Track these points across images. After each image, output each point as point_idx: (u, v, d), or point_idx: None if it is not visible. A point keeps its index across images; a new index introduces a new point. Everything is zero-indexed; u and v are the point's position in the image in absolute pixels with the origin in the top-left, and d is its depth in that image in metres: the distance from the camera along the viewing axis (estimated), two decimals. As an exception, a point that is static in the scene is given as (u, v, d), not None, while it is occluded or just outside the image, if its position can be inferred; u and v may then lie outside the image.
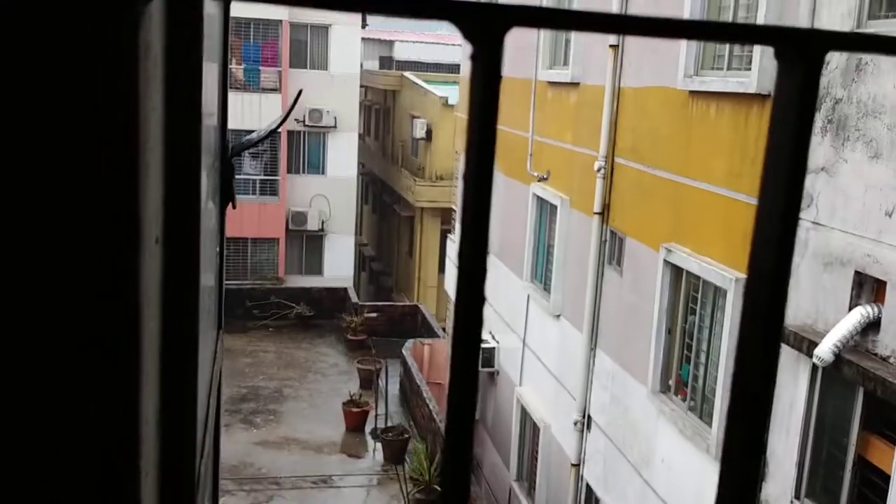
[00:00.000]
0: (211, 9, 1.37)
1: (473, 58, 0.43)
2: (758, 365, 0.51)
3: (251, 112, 25.59)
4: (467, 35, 0.42)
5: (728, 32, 0.50)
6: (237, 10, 24.83)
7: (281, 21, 26.24)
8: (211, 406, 1.61)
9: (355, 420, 18.48)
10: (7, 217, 0.52)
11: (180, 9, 0.80)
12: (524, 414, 13.80)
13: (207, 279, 1.68)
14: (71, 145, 0.51)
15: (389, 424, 18.04)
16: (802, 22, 7.14)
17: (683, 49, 8.98)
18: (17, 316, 0.54)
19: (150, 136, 0.65)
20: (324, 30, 27.28)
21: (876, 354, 6.34)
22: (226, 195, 1.95)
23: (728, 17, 8.55)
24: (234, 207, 2.04)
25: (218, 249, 1.99)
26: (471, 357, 0.45)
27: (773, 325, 0.51)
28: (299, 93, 3.95)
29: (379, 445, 17.69)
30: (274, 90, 26.33)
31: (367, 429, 18.54)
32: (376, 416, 18.32)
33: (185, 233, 0.89)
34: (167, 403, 0.93)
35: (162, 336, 0.86)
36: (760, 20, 7.67)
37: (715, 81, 8.51)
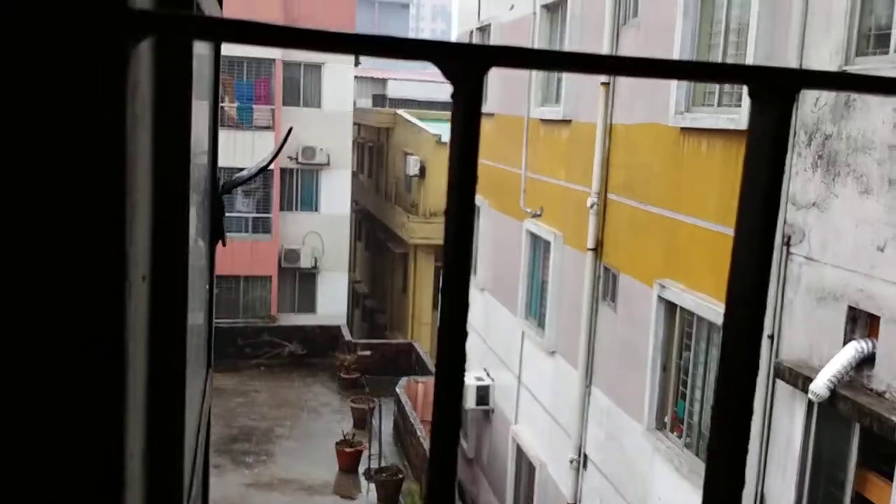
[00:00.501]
0: (201, 48, 1.37)
1: (454, 96, 0.42)
2: (737, 401, 0.51)
3: (244, 150, 25.69)
4: (448, 74, 0.41)
5: (703, 72, 0.50)
6: (230, 49, 25.04)
7: (274, 60, 26.45)
8: (200, 446, 1.59)
9: (348, 460, 18.30)
10: None
11: (170, 50, 0.80)
12: (519, 452, 13.69)
13: (196, 317, 1.67)
14: (56, 186, 0.52)
15: (383, 465, 17.86)
16: (791, 60, 7.21)
17: (674, 86, 9.06)
18: None
19: (138, 175, 0.65)
20: (317, 68, 27.50)
21: (871, 390, 6.31)
22: (216, 233, 1.94)
23: (718, 53, 8.64)
24: (223, 245, 2.03)
25: (207, 287, 1.97)
26: (454, 391, 0.44)
27: (750, 355, 0.51)
28: (289, 130, 3.95)
29: (373, 486, 17.48)
30: (267, 128, 26.45)
31: (361, 469, 18.35)
32: (370, 456, 18.14)
33: (173, 270, 0.89)
34: (154, 444, 0.91)
35: (149, 375, 0.85)
36: (749, 58, 7.75)
37: (706, 118, 8.58)
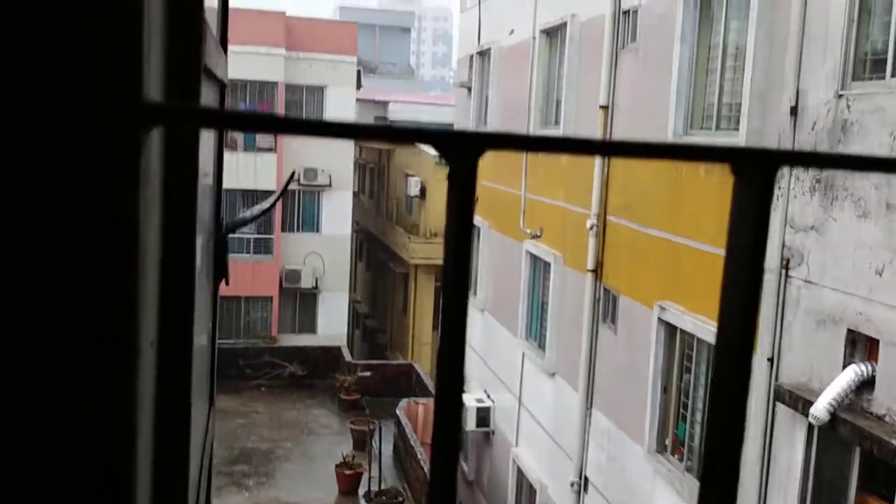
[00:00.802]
0: (205, 101, 1.41)
1: (450, 177, 0.45)
2: (728, 429, 0.53)
3: (246, 172, 25.78)
4: (444, 157, 0.45)
5: (688, 152, 0.53)
6: (233, 72, 25.14)
7: (277, 83, 26.60)
8: (202, 487, 1.60)
9: (348, 483, 18.21)
10: (8, 335, 0.54)
11: (178, 136, 0.83)
12: (520, 475, 13.64)
13: (200, 357, 1.69)
14: (71, 266, 0.54)
15: (383, 487, 17.78)
16: (788, 84, 7.27)
17: (672, 108, 9.12)
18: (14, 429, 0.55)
19: (148, 252, 0.68)
20: (319, 91, 27.64)
21: (871, 413, 6.32)
22: (219, 272, 1.96)
23: (716, 77, 8.70)
24: (227, 283, 2.05)
25: (210, 325, 2.00)
26: (454, 412, 0.47)
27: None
28: (292, 174, 4.00)
29: (373, 508, 17.40)
30: (269, 150, 26.56)
31: (361, 492, 18.26)
32: (370, 478, 18.06)
33: (179, 335, 0.91)
34: (159, 500, 0.93)
35: (154, 435, 0.87)
36: (746, 84, 7.81)
37: (704, 140, 8.63)
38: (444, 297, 0.47)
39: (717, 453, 0.52)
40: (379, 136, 0.45)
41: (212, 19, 1.62)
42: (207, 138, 1.48)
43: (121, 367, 0.56)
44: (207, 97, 1.37)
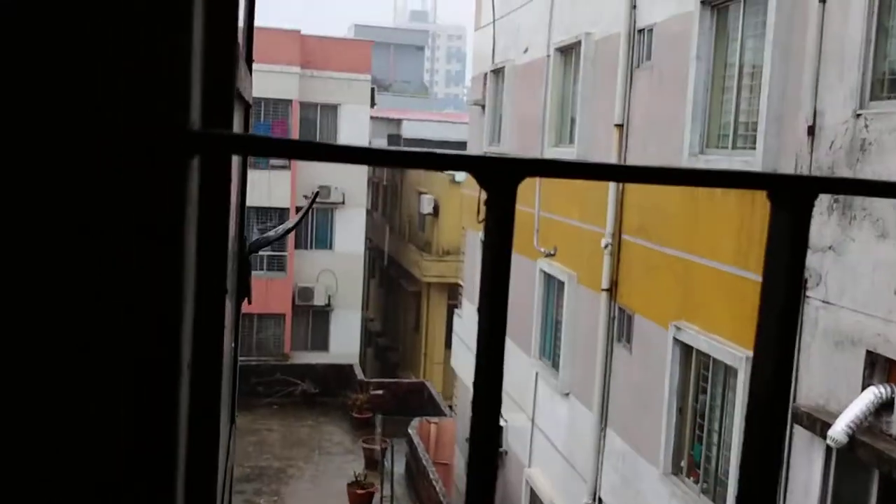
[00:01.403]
0: (237, 120, 1.41)
1: (488, 203, 0.43)
2: (764, 461, 0.52)
3: (260, 189, 25.88)
4: (483, 184, 0.43)
5: (726, 178, 0.53)
6: (248, 90, 25.31)
7: (291, 101, 26.75)
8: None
9: (360, 502, 18.14)
10: (58, 346, 0.54)
11: (213, 162, 0.84)
12: (533, 496, 13.54)
13: (224, 376, 1.69)
14: (119, 292, 0.55)
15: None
16: (805, 103, 7.23)
17: (688, 127, 9.09)
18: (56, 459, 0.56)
19: (187, 275, 0.69)
20: (333, 109, 27.78)
21: (890, 435, 6.23)
22: (242, 292, 1.95)
23: (732, 96, 8.67)
24: (249, 303, 2.05)
25: (233, 345, 1.99)
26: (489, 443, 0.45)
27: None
28: (316, 193, 4.02)
29: (385, 527, 17.31)
30: (283, 168, 26.68)
31: (373, 510, 18.19)
32: (381, 497, 17.98)
33: (211, 357, 0.92)
34: None
35: (187, 460, 0.87)
36: (763, 101, 7.78)
37: (720, 160, 8.59)
38: (480, 321, 0.46)
39: (752, 479, 0.52)
40: (417, 163, 0.43)
41: (240, 41, 1.63)
42: (233, 159, 1.48)
43: (167, 390, 0.57)
44: (238, 120, 1.37)
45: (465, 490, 0.46)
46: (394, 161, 0.43)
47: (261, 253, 27.00)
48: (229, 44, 0.94)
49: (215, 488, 1.02)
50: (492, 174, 0.43)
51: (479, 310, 0.46)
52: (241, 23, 1.82)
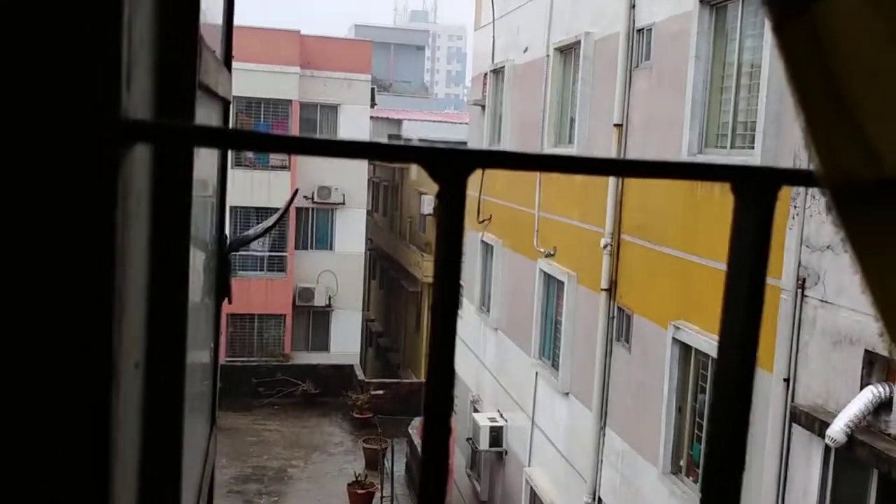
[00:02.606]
0: (207, 118, 1.40)
1: (439, 195, 0.43)
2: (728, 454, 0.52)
3: (260, 190, 25.90)
4: (434, 176, 0.43)
5: (688, 170, 0.52)
6: (248, 90, 25.37)
7: (291, 101, 26.77)
8: None
9: (360, 502, 18.15)
10: None
11: (168, 152, 0.84)
12: (533, 495, 13.54)
13: (200, 378, 1.67)
14: (40, 279, 0.54)
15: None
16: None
17: (687, 127, 9.10)
18: None
19: (131, 265, 0.68)
20: (333, 109, 27.79)
21: (889, 435, 6.23)
22: (222, 291, 1.95)
23: (730, 96, 8.67)
24: (230, 302, 2.04)
25: (212, 344, 1.98)
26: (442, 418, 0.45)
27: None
28: (295, 191, 4.03)
29: (385, 527, 17.33)
30: (283, 168, 26.70)
31: (373, 510, 18.20)
32: (381, 497, 18.00)
33: (170, 356, 0.91)
34: None
35: (142, 455, 0.85)
36: (762, 101, 7.78)
37: (719, 160, 8.59)
38: (433, 315, 0.46)
39: (718, 469, 0.51)
40: (364, 153, 0.43)
41: (214, 37, 1.62)
42: (209, 154, 1.47)
43: (94, 389, 0.55)
44: (208, 115, 1.36)
45: (419, 470, 0.46)
46: (339, 152, 0.43)
47: (261, 254, 27.02)
48: (188, 35, 0.94)
49: (178, 492, 1.00)
50: (441, 166, 0.43)
51: (433, 303, 0.46)
52: (217, 20, 1.82)
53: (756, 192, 0.50)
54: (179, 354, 0.96)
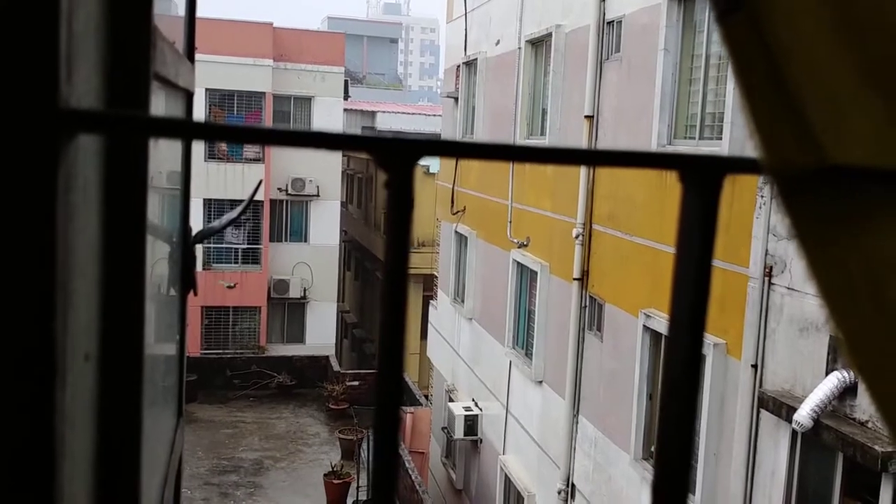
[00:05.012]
0: (168, 111, 1.41)
1: (387, 184, 0.47)
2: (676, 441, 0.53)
3: (234, 182, 25.75)
4: (381, 165, 0.47)
5: (637, 159, 0.55)
6: (221, 83, 25.18)
7: (264, 93, 26.60)
8: (166, 501, 1.59)
9: (337, 492, 18.17)
10: None
11: (120, 145, 0.83)
12: (508, 483, 13.65)
13: (164, 366, 1.68)
14: None
15: (371, 496, 17.72)
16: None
17: (657, 118, 9.19)
18: None
19: (79, 256, 0.67)
20: (307, 101, 27.65)
21: (854, 419, 6.37)
22: (187, 283, 1.97)
23: (699, 87, 8.78)
24: (195, 294, 2.06)
25: (178, 336, 2.01)
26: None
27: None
28: (259, 182, 4.04)
29: (361, 517, 17.37)
30: (257, 160, 26.54)
31: (349, 501, 18.22)
32: (358, 487, 18.03)
33: (126, 345, 0.90)
34: None
35: (99, 451, 0.85)
36: (730, 94, 7.88)
37: (688, 150, 8.69)
38: (381, 300, 0.49)
39: (669, 444, 0.52)
40: (311, 143, 0.47)
41: (174, 29, 1.62)
42: (172, 146, 1.49)
43: (35, 382, 0.55)
44: (168, 106, 1.37)
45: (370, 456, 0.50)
46: (289, 141, 0.46)
47: (235, 246, 26.87)
48: (140, 25, 0.93)
49: (137, 484, 0.98)
50: (389, 154, 0.47)
51: (381, 292, 0.50)
52: (179, 12, 1.82)
53: (702, 180, 0.51)
54: (136, 346, 0.93)
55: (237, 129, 0.45)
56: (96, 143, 0.75)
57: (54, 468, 0.56)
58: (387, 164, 0.47)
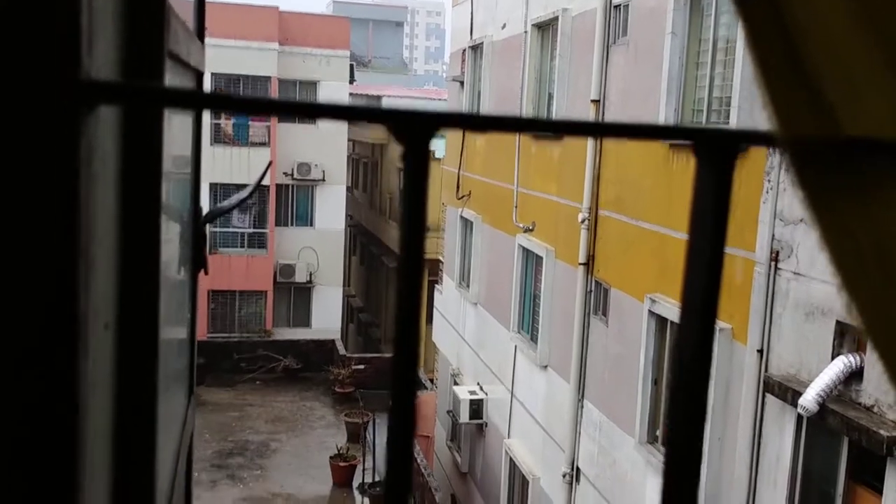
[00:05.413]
0: (184, 77, 1.42)
1: (404, 156, 0.47)
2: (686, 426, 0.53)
3: (240, 166, 25.75)
4: (397, 137, 0.47)
5: (652, 132, 0.55)
6: (227, 67, 25.13)
7: (270, 77, 26.55)
8: (178, 478, 1.61)
9: (343, 474, 18.27)
10: None
11: (137, 117, 0.84)
12: (513, 466, 13.70)
13: (176, 347, 1.69)
14: (5, 243, 0.54)
15: (377, 479, 17.84)
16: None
17: (664, 102, 9.15)
18: None
19: (98, 226, 0.68)
20: (312, 85, 27.60)
21: (860, 404, 6.37)
22: (197, 262, 1.98)
23: (706, 71, 8.73)
24: (206, 273, 2.07)
25: (189, 316, 2.02)
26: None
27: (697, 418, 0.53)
28: (269, 164, 4.03)
29: (367, 500, 17.46)
30: (263, 144, 26.53)
31: (355, 483, 18.33)
32: (363, 470, 18.12)
33: (142, 316, 0.91)
34: (122, 500, 0.92)
35: (115, 417, 0.87)
36: (737, 78, 7.84)
37: (695, 135, 8.65)
38: (398, 283, 0.49)
39: (680, 426, 0.52)
40: (327, 115, 0.47)
41: (185, 9, 1.63)
42: (182, 127, 1.49)
43: (61, 346, 0.55)
44: (179, 84, 1.38)
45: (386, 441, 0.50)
46: (306, 112, 0.46)
47: (241, 230, 26.90)
48: (155, 5, 0.94)
49: (153, 452, 0.99)
50: (405, 127, 0.47)
51: (397, 271, 0.50)
52: None
53: (716, 152, 0.51)
54: (152, 317, 0.95)
55: (250, 100, 0.45)
56: (114, 117, 0.76)
57: (77, 433, 0.57)
58: (403, 136, 0.47)
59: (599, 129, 0.55)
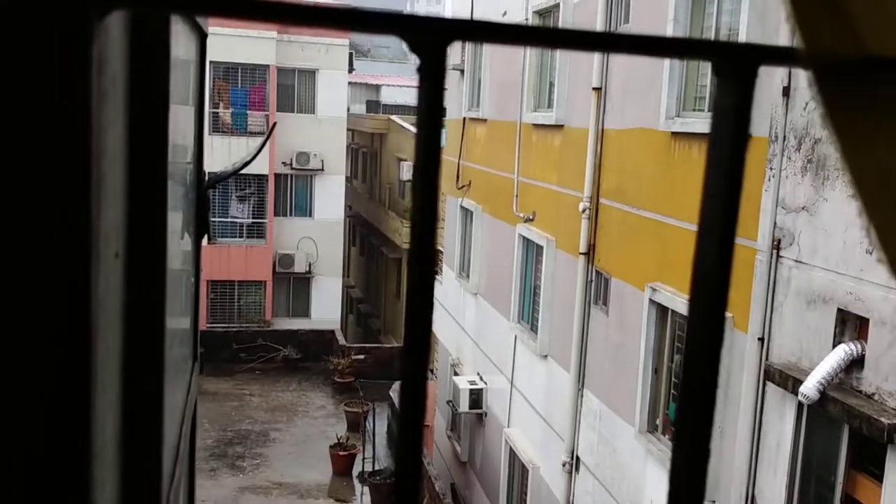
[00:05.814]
0: (184, 49, 1.39)
1: (419, 69, 0.45)
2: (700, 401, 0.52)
3: (239, 155, 25.67)
4: (412, 47, 0.45)
5: (665, 46, 0.52)
6: (226, 56, 25.06)
7: (268, 66, 26.49)
8: (184, 436, 1.60)
9: (343, 463, 18.30)
10: None
11: (143, 27, 0.82)
12: (512, 455, 13.71)
13: (180, 307, 1.68)
14: (13, 157, 0.53)
15: (377, 468, 17.87)
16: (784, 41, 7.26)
17: (665, 91, 9.12)
18: None
19: (108, 148, 0.67)
20: (311, 74, 27.53)
21: (860, 391, 6.36)
22: (201, 228, 1.96)
23: (711, 24, 8.68)
24: (209, 241, 2.06)
25: (193, 280, 2.00)
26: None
27: (714, 343, 0.52)
28: (273, 125, 4.02)
29: (366, 489, 17.49)
30: (261, 134, 26.47)
31: (355, 472, 18.35)
32: (363, 459, 18.15)
33: (150, 248, 0.90)
34: (130, 431, 0.91)
35: (124, 350, 0.86)
36: (743, 25, 7.78)
37: (696, 123, 8.64)
38: (413, 205, 0.46)
39: (692, 405, 0.51)
40: (344, 22, 0.45)
41: None
42: (186, 113, 1.47)
43: (74, 264, 0.55)
44: (188, 44, 1.36)
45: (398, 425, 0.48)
46: (309, 20, 0.44)
47: (240, 220, 26.87)
48: None
49: (161, 380, 0.99)
50: (420, 36, 0.45)
51: (412, 187, 0.47)
52: None
53: (736, 69, 0.49)
54: (160, 248, 0.94)
55: (256, 3, 0.43)
56: (120, 31, 0.74)
57: (90, 354, 0.57)
58: (417, 46, 0.44)
59: (621, 43, 0.52)
